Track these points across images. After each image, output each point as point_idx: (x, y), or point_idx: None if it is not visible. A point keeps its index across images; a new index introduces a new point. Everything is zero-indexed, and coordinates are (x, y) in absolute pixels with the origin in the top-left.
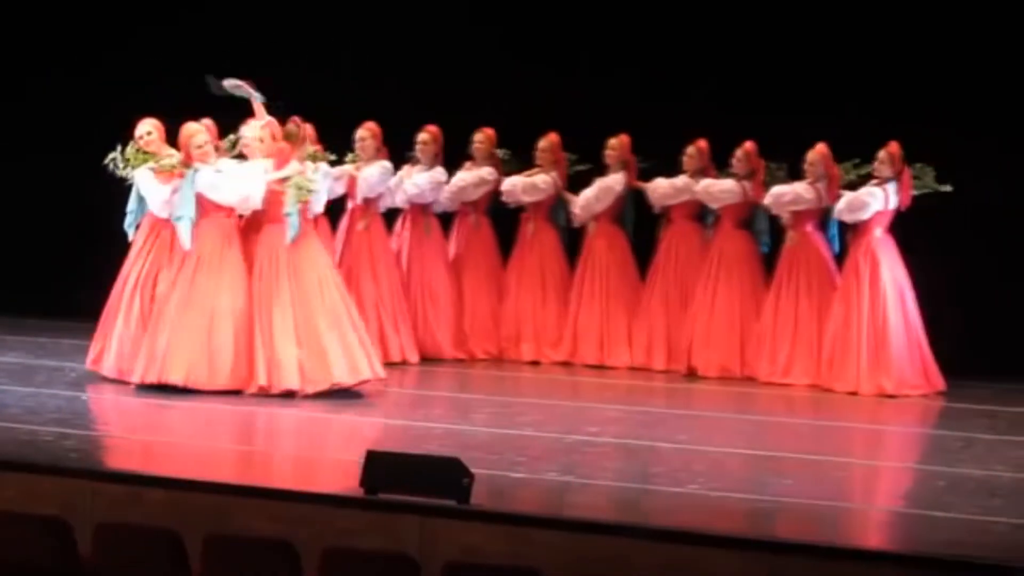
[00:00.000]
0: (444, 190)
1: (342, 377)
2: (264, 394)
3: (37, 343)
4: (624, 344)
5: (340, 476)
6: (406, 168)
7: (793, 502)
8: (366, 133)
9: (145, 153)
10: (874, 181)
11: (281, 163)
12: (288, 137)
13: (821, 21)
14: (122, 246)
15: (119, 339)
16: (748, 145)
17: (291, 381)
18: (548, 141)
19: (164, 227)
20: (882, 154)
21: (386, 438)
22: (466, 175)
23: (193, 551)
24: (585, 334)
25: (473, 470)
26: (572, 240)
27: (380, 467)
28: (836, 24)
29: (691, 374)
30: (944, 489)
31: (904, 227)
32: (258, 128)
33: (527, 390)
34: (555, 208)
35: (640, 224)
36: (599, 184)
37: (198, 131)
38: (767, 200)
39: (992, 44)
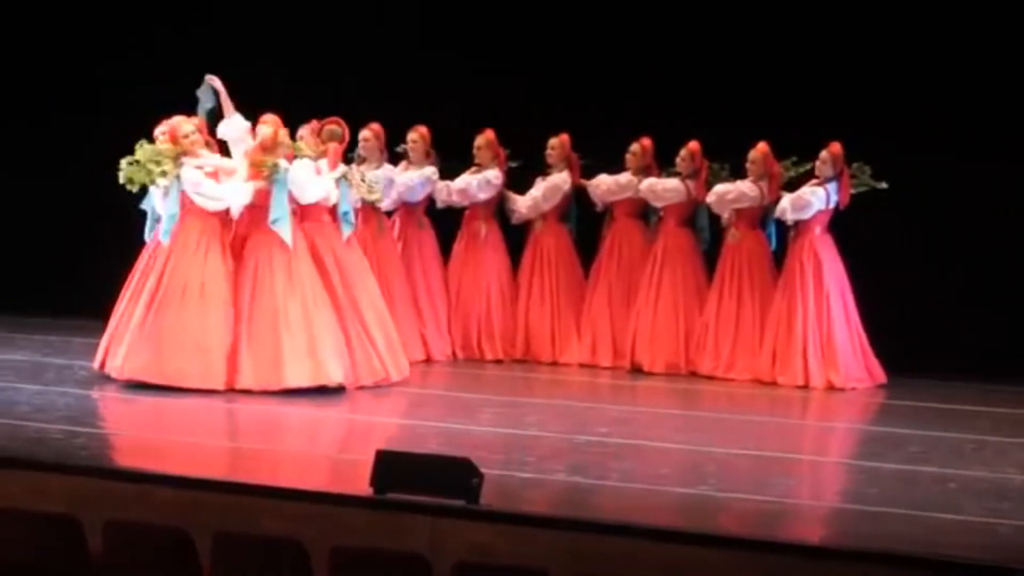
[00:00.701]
0: (452, 190)
1: (392, 373)
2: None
3: (47, 341)
4: (574, 341)
5: (349, 475)
6: (389, 167)
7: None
8: (369, 134)
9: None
10: (815, 180)
11: (334, 163)
12: (332, 137)
13: (763, 23)
14: (134, 246)
15: (124, 339)
16: (692, 145)
17: (379, 373)
18: (485, 138)
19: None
20: (824, 154)
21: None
22: (471, 177)
23: (203, 549)
24: (537, 332)
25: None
26: (517, 238)
27: (390, 467)
28: (777, 27)
29: (636, 370)
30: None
31: (841, 225)
32: (244, 129)
33: (530, 390)
34: (567, 210)
35: (581, 221)
36: (547, 183)
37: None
38: (710, 198)
39: (928, 47)
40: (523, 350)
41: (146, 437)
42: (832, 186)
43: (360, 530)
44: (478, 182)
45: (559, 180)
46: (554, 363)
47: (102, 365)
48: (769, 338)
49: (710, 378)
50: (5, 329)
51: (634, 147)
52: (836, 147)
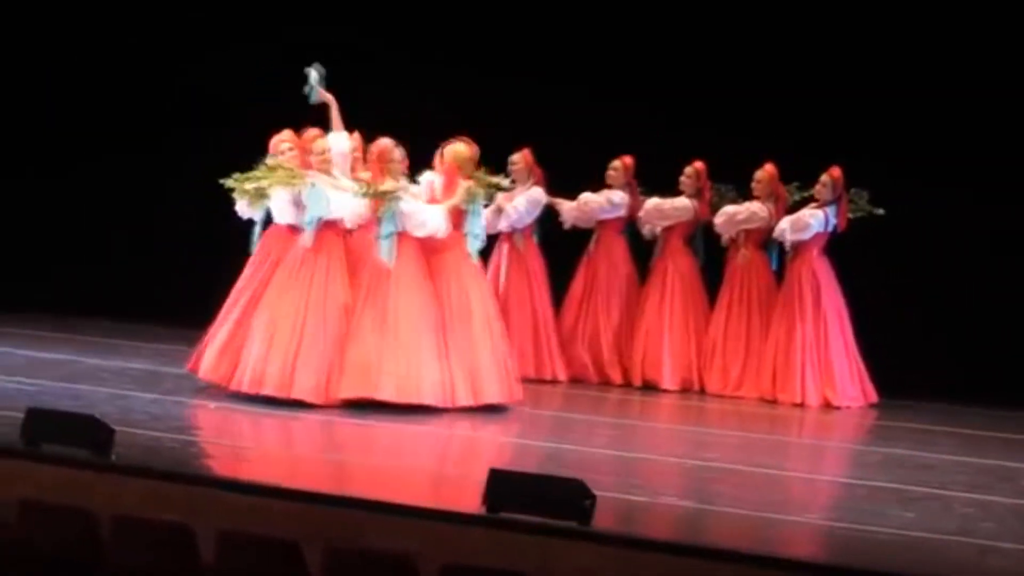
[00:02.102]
0: (574, 208)
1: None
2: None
3: (157, 350)
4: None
5: (461, 493)
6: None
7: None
8: (518, 157)
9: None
10: (814, 204)
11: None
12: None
13: (764, 44)
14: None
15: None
16: (698, 164)
17: (492, 394)
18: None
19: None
20: (824, 178)
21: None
22: (592, 196)
23: (313, 562)
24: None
25: (596, 492)
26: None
27: (503, 486)
28: (777, 50)
29: (649, 387)
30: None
31: (838, 248)
32: (347, 141)
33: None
34: (694, 234)
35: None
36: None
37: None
38: (719, 218)
39: (929, 72)
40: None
41: (263, 450)
42: (831, 209)
43: (471, 548)
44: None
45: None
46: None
47: (197, 368)
48: (769, 357)
49: (720, 396)
50: (111, 335)
51: (615, 164)
52: (836, 171)
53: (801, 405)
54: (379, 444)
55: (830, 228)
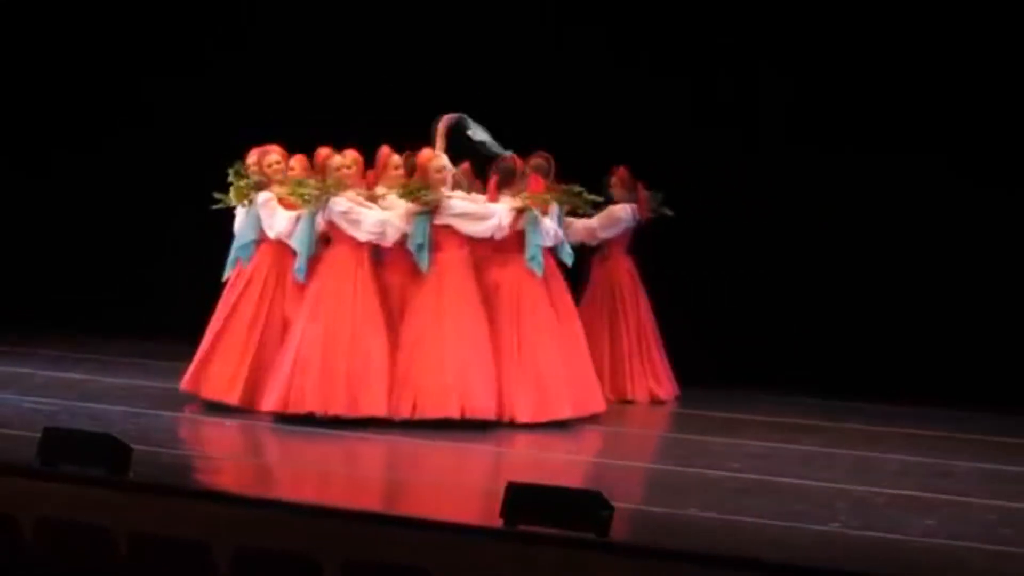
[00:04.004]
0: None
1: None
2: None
3: (177, 368)
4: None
5: (480, 506)
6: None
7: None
8: (616, 179)
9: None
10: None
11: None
12: (537, 170)
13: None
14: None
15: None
16: (621, 171)
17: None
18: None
19: (282, 256)
20: (613, 179)
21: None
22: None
23: None
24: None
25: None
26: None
27: (521, 499)
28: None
29: (623, 401)
30: None
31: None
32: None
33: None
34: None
35: None
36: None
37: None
38: (605, 223)
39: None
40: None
41: (279, 466)
42: (632, 206)
43: (489, 561)
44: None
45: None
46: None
47: (192, 382)
48: (607, 357)
49: (632, 402)
50: (127, 354)
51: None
52: (622, 171)
53: (631, 402)
54: (400, 459)
55: (635, 223)
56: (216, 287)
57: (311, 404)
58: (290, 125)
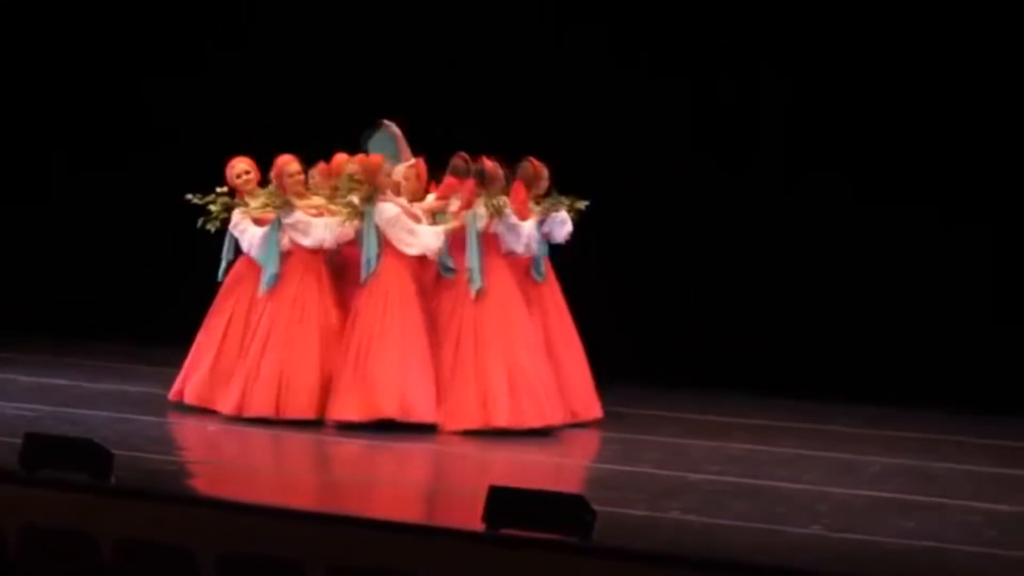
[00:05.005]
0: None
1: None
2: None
3: (158, 373)
4: None
5: (463, 510)
6: None
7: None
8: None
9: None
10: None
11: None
12: (522, 178)
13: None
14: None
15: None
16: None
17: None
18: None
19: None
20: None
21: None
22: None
23: None
24: None
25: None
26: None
27: (503, 502)
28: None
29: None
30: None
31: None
32: (404, 169)
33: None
34: None
35: None
36: None
37: (290, 161)
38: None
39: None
40: None
41: (258, 470)
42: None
43: (472, 565)
44: None
45: None
46: None
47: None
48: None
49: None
50: (109, 359)
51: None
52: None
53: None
54: (377, 462)
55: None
56: (203, 293)
57: (264, 408)
58: (290, 125)
